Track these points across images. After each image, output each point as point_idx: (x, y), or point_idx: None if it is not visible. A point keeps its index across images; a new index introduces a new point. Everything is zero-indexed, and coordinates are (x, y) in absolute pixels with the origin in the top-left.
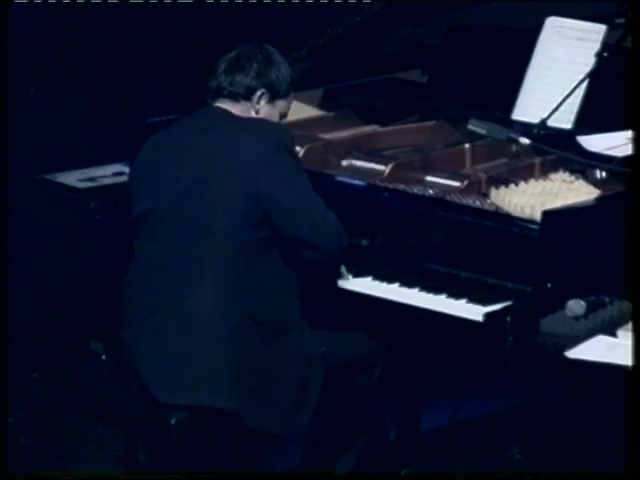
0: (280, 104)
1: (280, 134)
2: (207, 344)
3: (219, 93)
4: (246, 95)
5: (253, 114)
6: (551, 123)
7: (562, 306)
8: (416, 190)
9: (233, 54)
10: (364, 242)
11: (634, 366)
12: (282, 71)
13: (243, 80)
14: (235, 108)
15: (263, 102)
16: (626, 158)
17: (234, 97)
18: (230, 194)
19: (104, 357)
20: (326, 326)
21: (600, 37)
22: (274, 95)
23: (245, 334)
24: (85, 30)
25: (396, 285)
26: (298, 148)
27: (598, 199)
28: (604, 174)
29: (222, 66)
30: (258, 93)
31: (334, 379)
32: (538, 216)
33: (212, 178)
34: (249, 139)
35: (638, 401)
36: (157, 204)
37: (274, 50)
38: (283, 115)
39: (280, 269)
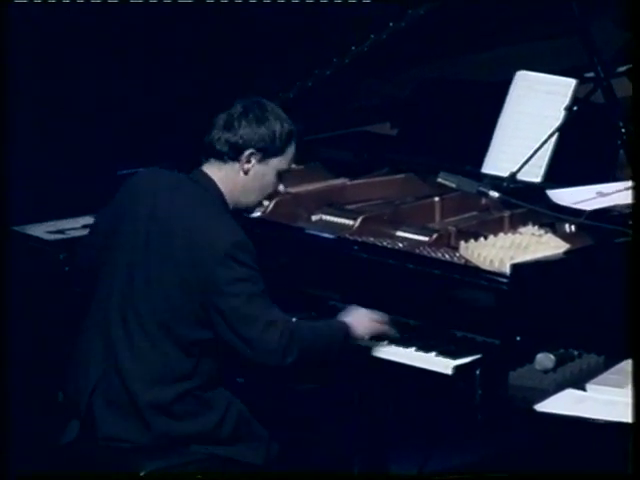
0: (275, 162)
1: (233, 244)
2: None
3: (209, 152)
4: (233, 155)
5: (242, 175)
6: (520, 177)
7: (531, 360)
8: (385, 243)
9: (228, 111)
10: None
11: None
12: (276, 128)
13: (230, 139)
14: (221, 170)
15: (254, 161)
16: (594, 212)
17: (221, 157)
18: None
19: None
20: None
21: (569, 91)
22: (266, 154)
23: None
24: (85, 30)
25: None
26: (267, 202)
27: (567, 253)
28: (573, 228)
29: (217, 122)
30: (246, 153)
31: None
32: (507, 269)
33: (162, 261)
34: (208, 238)
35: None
36: (114, 265)
37: (272, 107)
38: (282, 171)
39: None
